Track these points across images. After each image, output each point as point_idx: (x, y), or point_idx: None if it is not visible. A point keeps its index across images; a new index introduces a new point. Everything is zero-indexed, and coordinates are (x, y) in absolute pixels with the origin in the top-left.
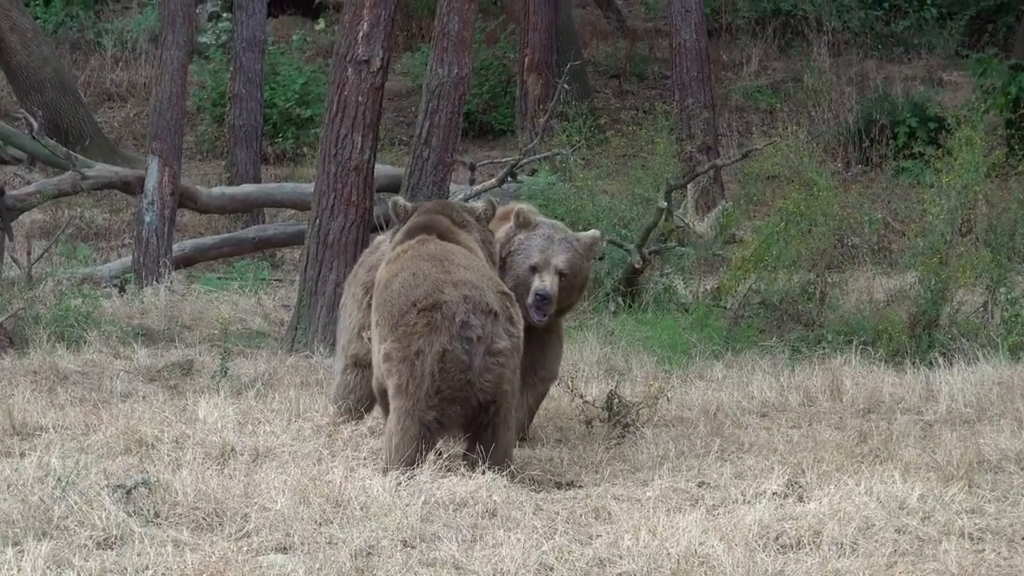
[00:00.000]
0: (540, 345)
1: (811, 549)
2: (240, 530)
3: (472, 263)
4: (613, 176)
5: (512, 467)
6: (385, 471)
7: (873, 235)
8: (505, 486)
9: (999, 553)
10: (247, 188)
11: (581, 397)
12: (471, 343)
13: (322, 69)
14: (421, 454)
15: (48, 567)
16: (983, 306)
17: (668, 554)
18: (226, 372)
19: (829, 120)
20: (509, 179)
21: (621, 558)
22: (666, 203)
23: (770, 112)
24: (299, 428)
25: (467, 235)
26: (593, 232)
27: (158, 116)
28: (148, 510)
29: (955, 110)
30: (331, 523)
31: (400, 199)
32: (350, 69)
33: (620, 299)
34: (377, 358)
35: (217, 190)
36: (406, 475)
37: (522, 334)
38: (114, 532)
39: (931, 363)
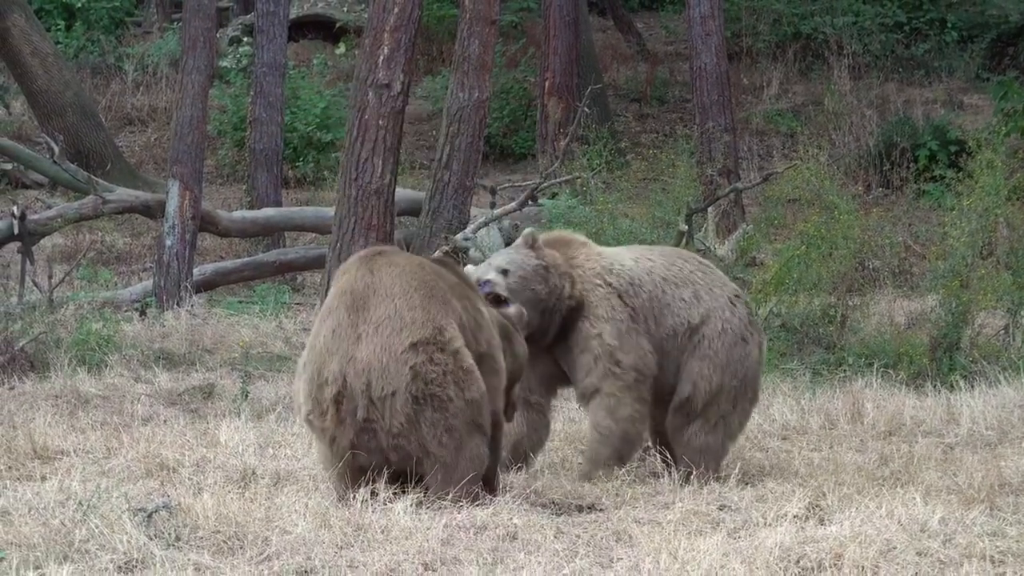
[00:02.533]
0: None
1: (832, 572)
2: (261, 554)
3: (390, 310)
4: (633, 199)
5: (470, 497)
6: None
7: (894, 258)
8: (526, 510)
9: (1020, 575)
10: (268, 212)
11: None
12: (375, 432)
13: (342, 93)
14: (371, 488)
15: None
16: (1004, 329)
17: None
18: (247, 396)
19: (850, 143)
20: (530, 202)
21: None
22: (687, 226)
23: (791, 135)
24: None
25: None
26: None
27: (179, 140)
28: (169, 534)
29: (976, 133)
30: (352, 547)
31: None
32: (371, 93)
33: None
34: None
35: (238, 214)
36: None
37: (437, 376)
38: (135, 556)
39: (952, 386)
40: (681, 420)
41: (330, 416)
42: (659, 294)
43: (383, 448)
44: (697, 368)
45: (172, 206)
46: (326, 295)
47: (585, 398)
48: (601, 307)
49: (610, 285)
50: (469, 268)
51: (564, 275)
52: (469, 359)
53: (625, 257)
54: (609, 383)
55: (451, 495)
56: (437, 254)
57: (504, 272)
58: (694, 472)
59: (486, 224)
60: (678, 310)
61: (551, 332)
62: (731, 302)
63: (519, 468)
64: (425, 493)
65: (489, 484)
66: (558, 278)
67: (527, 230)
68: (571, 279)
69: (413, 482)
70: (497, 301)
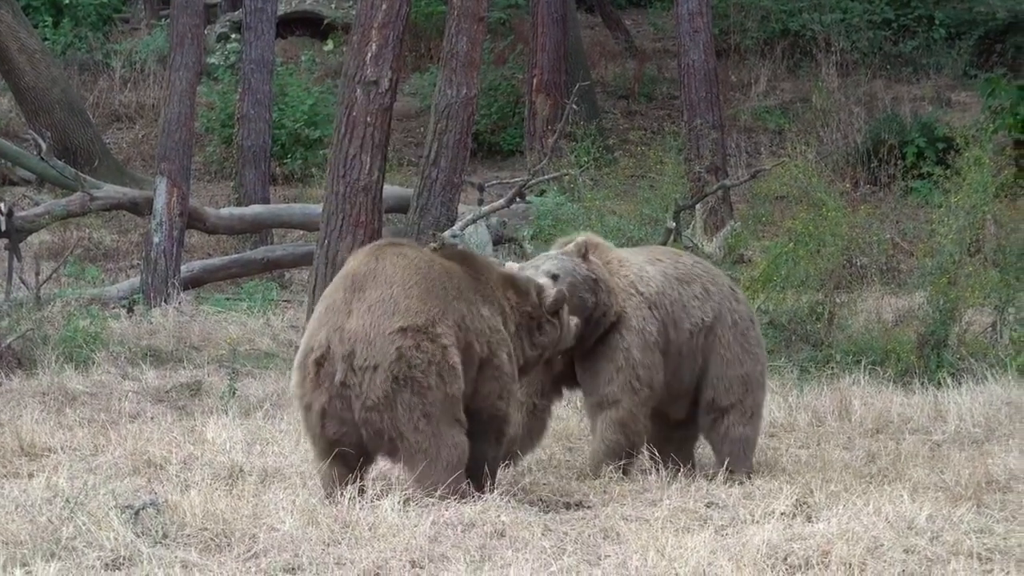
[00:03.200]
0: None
1: (820, 569)
2: (248, 551)
3: (386, 294)
4: (621, 196)
5: (442, 491)
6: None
7: (882, 255)
8: (514, 507)
9: (1008, 573)
10: (256, 209)
11: None
12: (350, 400)
13: (331, 90)
14: (347, 484)
15: None
16: (992, 326)
17: (676, 574)
18: (234, 393)
19: (838, 140)
20: (518, 199)
21: None
22: (675, 223)
23: (779, 132)
24: (307, 449)
25: (508, 294)
26: None
27: (167, 137)
28: (156, 531)
29: (964, 130)
30: (339, 544)
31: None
32: (359, 90)
33: None
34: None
35: (226, 211)
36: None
37: (420, 365)
38: (122, 553)
39: (940, 383)
40: (715, 416)
41: (309, 379)
42: (677, 296)
43: (354, 419)
44: (720, 367)
45: (160, 203)
46: (314, 292)
47: (600, 407)
48: (635, 319)
49: (641, 295)
50: (511, 265)
51: (611, 291)
52: (456, 358)
53: (642, 261)
54: (628, 397)
55: (439, 490)
56: (459, 246)
57: (554, 277)
58: (732, 467)
59: (474, 221)
60: (692, 310)
61: (589, 342)
62: (732, 289)
63: (506, 465)
64: (408, 487)
65: (491, 480)
66: (607, 294)
67: (580, 238)
68: (614, 293)
69: (390, 478)
70: (555, 310)
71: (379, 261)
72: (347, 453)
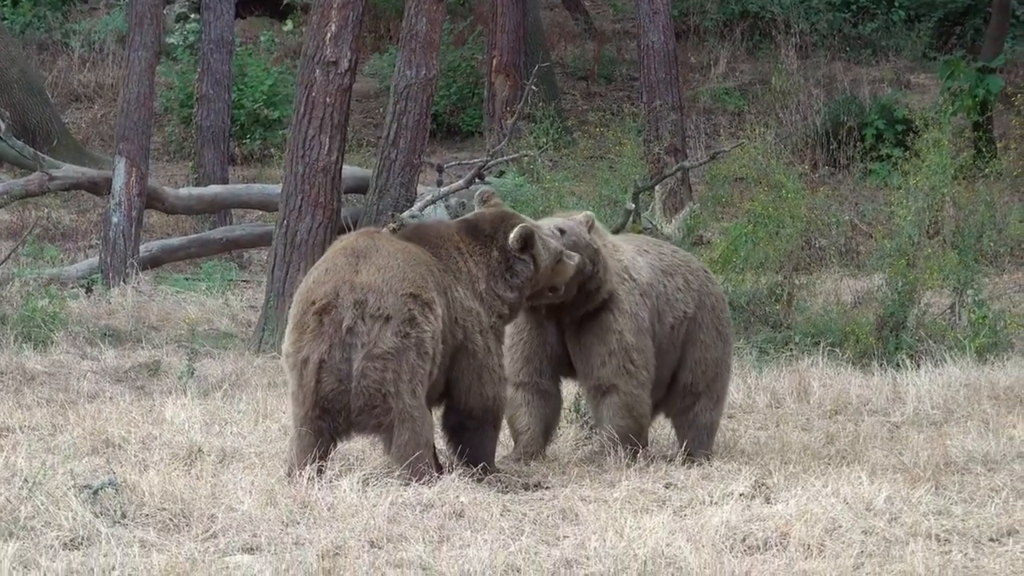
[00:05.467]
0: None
1: (778, 550)
2: (207, 531)
3: (392, 264)
4: (580, 178)
5: (423, 467)
6: (288, 474)
7: (841, 237)
8: (472, 487)
9: (966, 554)
10: (214, 189)
11: None
12: (353, 350)
13: (290, 70)
14: (322, 459)
15: (14, 568)
16: (950, 308)
17: (635, 555)
18: (193, 373)
19: (797, 122)
20: (477, 180)
21: (588, 559)
22: (634, 205)
23: (738, 114)
24: (266, 429)
25: (468, 246)
26: None
27: (125, 117)
28: (115, 511)
29: (922, 112)
30: (298, 524)
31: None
32: (318, 70)
33: None
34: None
35: (184, 191)
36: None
37: (427, 334)
38: (81, 533)
39: (898, 365)
40: (689, 400)
41: (309, 331)
42: (663, 290)
43: (351, 373)
44: (699, 352)
45: (118, 183)
46: (273, 272)
47: (599, 392)
48: (627, 303)
49: (635, 281)
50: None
51: (607, 268)
52: (439, 347)
53: (633, 251)
54: (625, 381)
55: (419, 465)
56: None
57: (561, 231)
58: (691, 449)
59: (433, 202)
60: (676, 303)
61: (576, 314)
62: (706, 272)
63: (532, 456)
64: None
65: (489, 464)
66: (603, 269)
67: (587, 213)
68: (609, 272)
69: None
70: (522, 247)
71: (375, 240)
72: (326, 422)
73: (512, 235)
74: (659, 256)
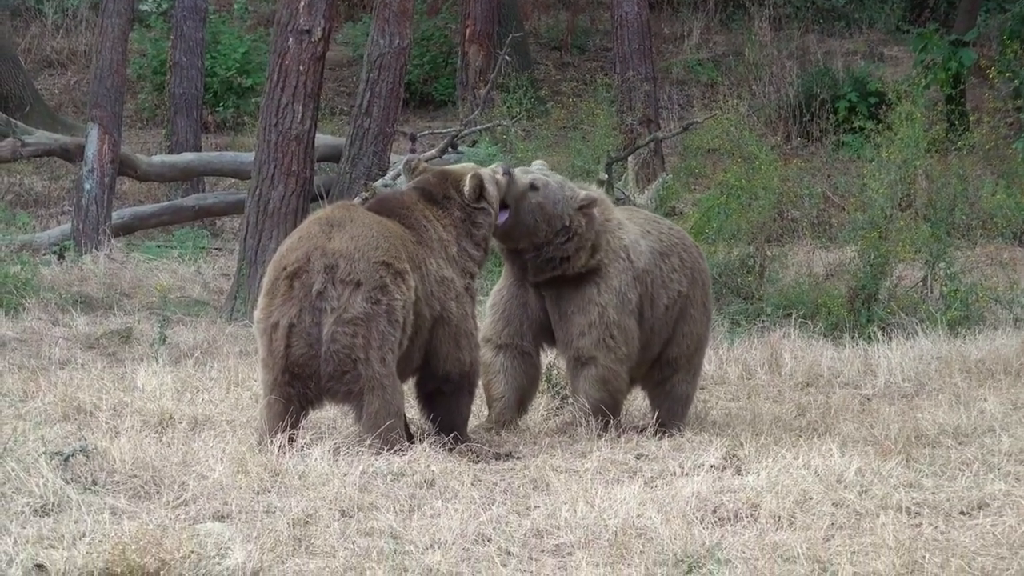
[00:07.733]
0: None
1: (748, 522)
2: (178, 498)
3: (366, 233)
4: (553, 148)
5: (394, 436)
6: (259, 442)
7: (813, 209)
8: (443, 457)
9: (936, 527)
10: (187, 157)
11: None
12: (323, 314)
13: (263, 38)
14: (293, 428)
15: None
16: (922, 281)
17: (606, 525)
18: (165, 340)
19: (770, 94)
20: (450, 150)
21: (559, 529)
22: (607, 175)
23: (711, 85)
24: (238, 397)
25: (433, 212)
26: None
27: (98, 84)
28: (86, 477)
29: (895, 85)
30: (269, 492)
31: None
32: (291, 39)
33: None
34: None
35: (157, 158)
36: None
37: (398, 302)
38: (51, 499)
39: (870, 337)
40: (668, 372)
41: (279, 296)
42: (658, 273)
43: (320, 337)
44: (688, 327)
45: (91, 150)
46: (245, 240)
47: (578, 362)
48: (616, 280)
49: (631, 263)
50: (517, 171)
51: (599, 235)
52: (410, 318)
53: (637, 233)
54: (604, 354)
55: (383, 437)
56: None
57: (545, 175)
58: (664, 420)
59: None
60: (671, 284)
61: (548, 267)
62: (697, 248)
63: (505, 425)
64: (360, 422)
65: (461, 431)
66: (579, 239)
67: (599, 191)
68: (595, 247)
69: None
70: (477, 196)
71: (351, 212)
72: (296, 388)
73: (467, 188)
74: (659, 238)
